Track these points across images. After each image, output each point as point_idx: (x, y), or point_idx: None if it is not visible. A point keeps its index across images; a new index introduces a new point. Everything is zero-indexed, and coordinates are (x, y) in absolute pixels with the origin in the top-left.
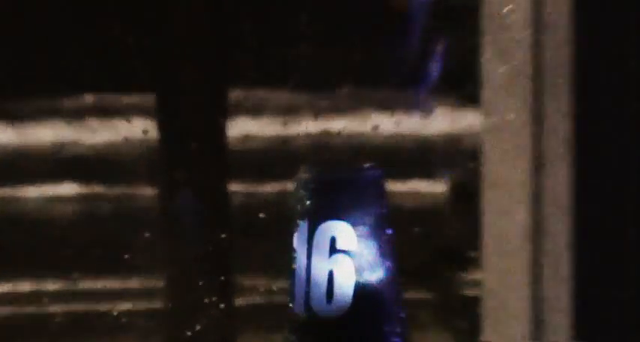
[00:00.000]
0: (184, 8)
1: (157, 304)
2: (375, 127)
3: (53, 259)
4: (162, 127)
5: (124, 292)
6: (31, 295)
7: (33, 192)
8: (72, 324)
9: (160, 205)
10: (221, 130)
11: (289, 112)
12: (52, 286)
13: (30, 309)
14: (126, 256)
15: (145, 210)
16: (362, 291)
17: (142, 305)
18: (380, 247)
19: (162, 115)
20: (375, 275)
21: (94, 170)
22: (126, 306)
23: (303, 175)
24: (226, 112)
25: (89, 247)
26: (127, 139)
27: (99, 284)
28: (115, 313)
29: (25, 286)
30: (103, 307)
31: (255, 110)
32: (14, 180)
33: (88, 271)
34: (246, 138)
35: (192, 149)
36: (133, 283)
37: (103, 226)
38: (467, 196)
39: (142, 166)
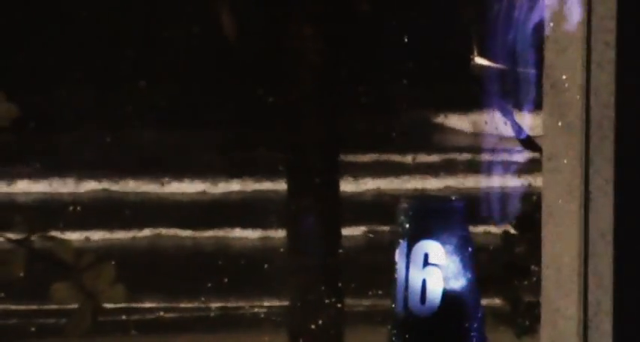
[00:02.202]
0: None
1: (288, 303)
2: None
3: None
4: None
5: (263, 293)
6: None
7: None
8: (223, 317)
9: (291, 227)
10: (337, 169)
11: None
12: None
13: (191, 305)
14: (265, 266)
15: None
16: (449, 296)
17: (277, 304)
18: (463, 262)
19: (293, 154)
20: (459, 283)
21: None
22: (265, 304)
23: (404, 204)
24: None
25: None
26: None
27: (245, 286)
28: (255, 310)
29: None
30: (246, 304)
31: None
32: None
33: (239, 275)
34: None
35: (315, 184)
36: (270, 287)
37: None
38: (531, 224)
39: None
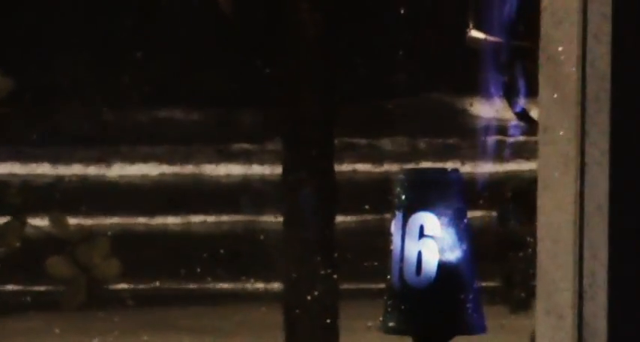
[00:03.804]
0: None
1: (285, 275)
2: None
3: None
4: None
5: (260, 267)
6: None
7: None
8: (224, 291)
9: (287, 200)
10: (331, 142)
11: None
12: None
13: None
14: (261, 237)
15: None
16: (444, 267)
17: (275, 276)
18: (458, 233)
19: (289, 127)
20: (454, 255)
21: None
22: (263, 276)
23: (400, 175)
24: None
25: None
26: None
27: (242, 260)
28: (252, 283)
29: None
30: (245, 279)
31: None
32: None
33: (237, 249)
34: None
35: (311, 156)
36: (267, 260)
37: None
38: (526, 198)
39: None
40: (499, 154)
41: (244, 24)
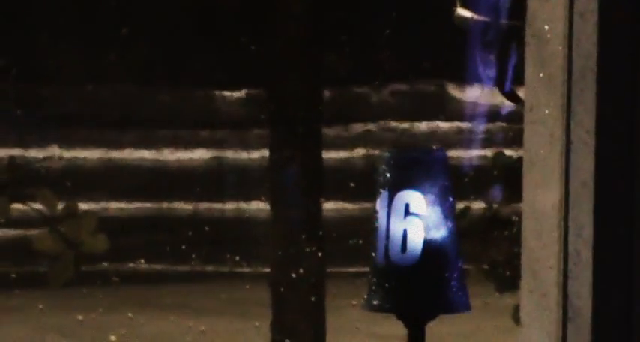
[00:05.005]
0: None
1: (269, 252)
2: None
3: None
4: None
5: (246, 244)
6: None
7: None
8: (206, 270)
9: (274, 180)
10: (317, 122)
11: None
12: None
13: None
14: (247, 216)
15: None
16: (429, 245)
17: (260, 253)
18: (444, 212)
19: (273, 105)
20: (439, 233)
21: None
22: (246, 254)
23: (385, 154)
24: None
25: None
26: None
27: (228, 238)
28: (237, 258)
29: None
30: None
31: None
32: None
33: (223, 230)
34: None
35: (298, 133)
36: (253, 238)
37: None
38: (513, 177)
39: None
40: (486, 137)
41: (230, 3)
